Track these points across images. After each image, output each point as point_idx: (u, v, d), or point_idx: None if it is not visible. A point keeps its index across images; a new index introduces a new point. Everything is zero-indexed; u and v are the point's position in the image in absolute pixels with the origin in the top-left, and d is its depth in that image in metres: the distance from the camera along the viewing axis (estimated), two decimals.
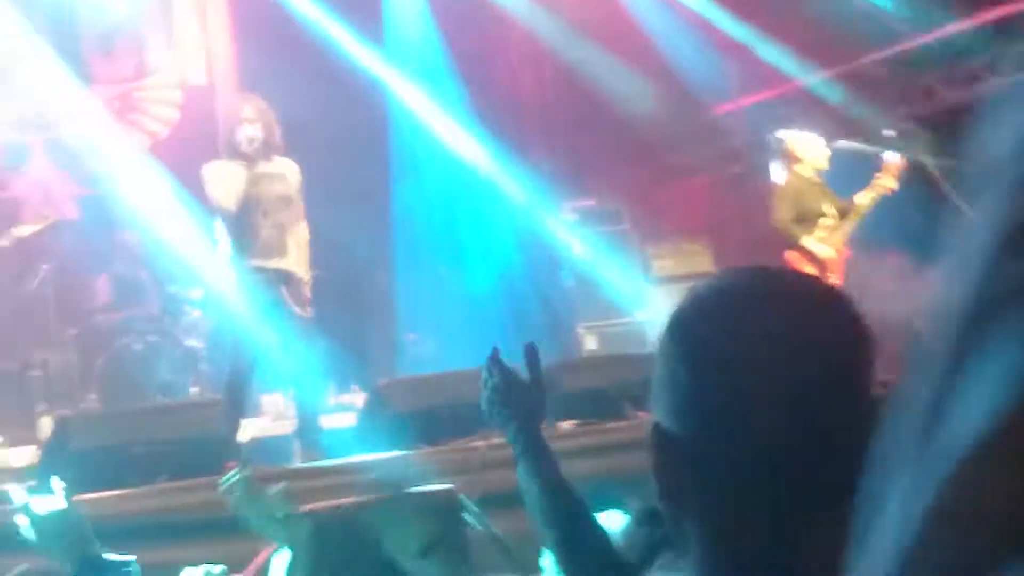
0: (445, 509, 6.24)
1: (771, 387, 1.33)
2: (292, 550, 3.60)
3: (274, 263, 8.41)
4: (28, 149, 11.84)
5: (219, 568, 3.66)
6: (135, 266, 10.99)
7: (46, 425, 9.56)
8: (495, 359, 3.21)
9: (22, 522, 3.53)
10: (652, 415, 1.42)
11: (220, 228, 8.41)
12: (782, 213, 9.25)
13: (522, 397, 3.15)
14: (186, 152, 11.79)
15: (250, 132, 8.25)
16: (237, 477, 3.68)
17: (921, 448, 0.63)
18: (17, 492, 3.59)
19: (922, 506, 0.64)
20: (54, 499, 3.56)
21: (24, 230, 8.31)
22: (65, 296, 10.45)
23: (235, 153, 8.27)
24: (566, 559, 2.99)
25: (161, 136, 12.14)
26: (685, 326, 1.40)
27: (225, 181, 8.25)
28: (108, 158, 11.29)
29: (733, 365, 1.34)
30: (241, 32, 12.52)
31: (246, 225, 8.28)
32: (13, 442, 9.54)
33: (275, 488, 3.58)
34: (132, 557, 3.51)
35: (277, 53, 12.30)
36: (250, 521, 3.75)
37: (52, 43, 11.41)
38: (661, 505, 1.41)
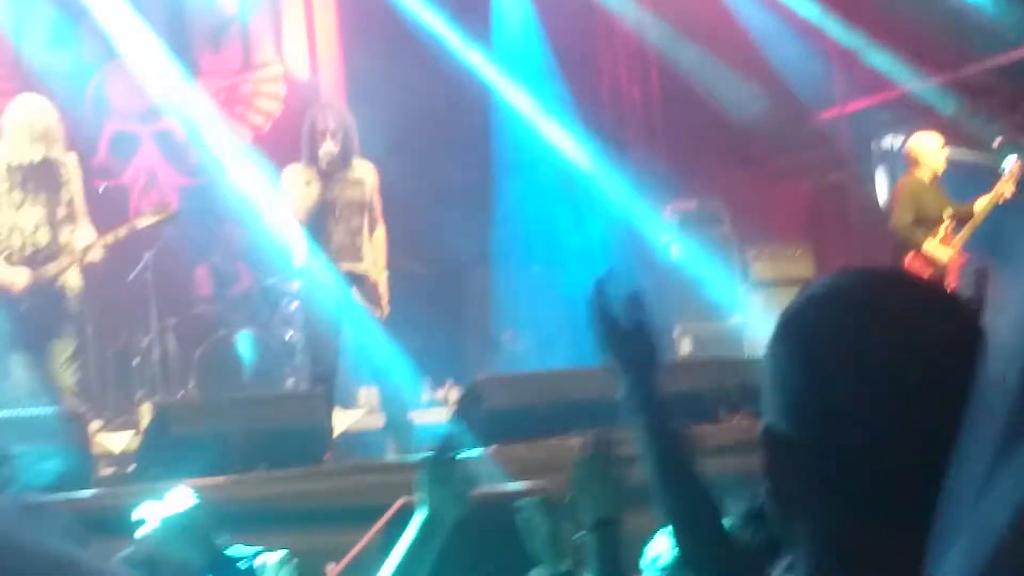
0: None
1: (886, 388, 1.32)
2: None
3: (346, 266, 8.51)
4: (138, 139, 12.00)
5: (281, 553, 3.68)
6: (234, 258, 11.10)
7: (145, 412, 9.68)
8: (599, 292, 2.92)
9: (149, 522, 3.56)
10: (763, 417, 1.41)
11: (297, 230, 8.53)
12: (902, 216, 9.13)
13: (632, 348, 2.89)
14: (288, 146, 11.90)
15: (330, 148, 8.41)
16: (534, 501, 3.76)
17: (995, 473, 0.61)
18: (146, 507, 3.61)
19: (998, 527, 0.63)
20: (184, 497, 3.60)
21: (143, 221, 8.40)
22: (165, 285, 10.58)
23: (313, 162, 8.43)
24: (685, 535, 2.81)
25: (264, 129, 12.25)
26: (798, 326, 1.39)
27: (300, 189, 8.42)
28: (212, 150, 11.42)
29: (848, 366, 1.33)
30: (347, 27, 12.61)
31: (319, 229, 8.38)
32: (113, 427, 9.69)
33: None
34: (258, 549, 3.55)
35: (382, 49, 12.38)
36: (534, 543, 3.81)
37: (162, 36, 11.56)
38: (770, 507, 1.40)
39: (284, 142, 11.92)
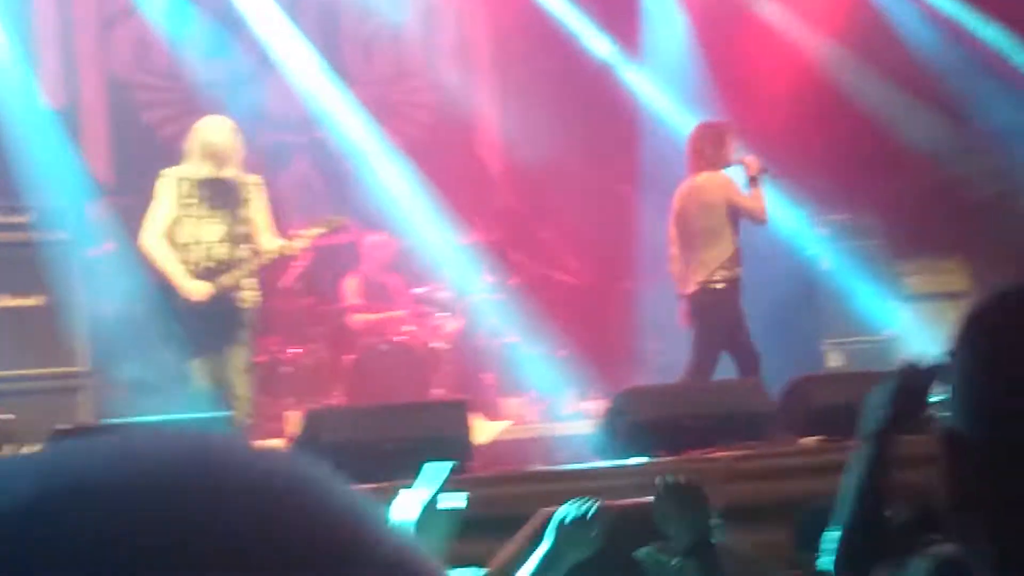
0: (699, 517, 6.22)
1: None
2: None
3: None
4: (291, 149, 12.17)
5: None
6: (384, 267, 11.20)
7: (293, 419, 9.80)
8: (915, 368, 3.16)
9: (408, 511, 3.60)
10: (946, 419, 1.39)
11: None
12: None
13: (903, 407, 3.14)
14: (440, 154, 12.00)
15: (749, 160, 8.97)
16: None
17: None
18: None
19: None
20: (456, 498, 3.65)
21: (314, 231, 8.74)
22: (316, 294, 10.71)
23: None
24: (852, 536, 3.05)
25: (416, 138, 12.34)
26: (983, 330, 1.37)
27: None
28: (365, 159, 11.55)
29: None
30: (499, 36, 12.66)
31: None
32: (262, 435, 9.81)
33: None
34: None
35: (534, 58, 12.43)
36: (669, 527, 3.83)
37: (316, 44, 11.72)
38: (950, 509, 1.38)
39: (437, 151, 12.03)
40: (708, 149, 8.99)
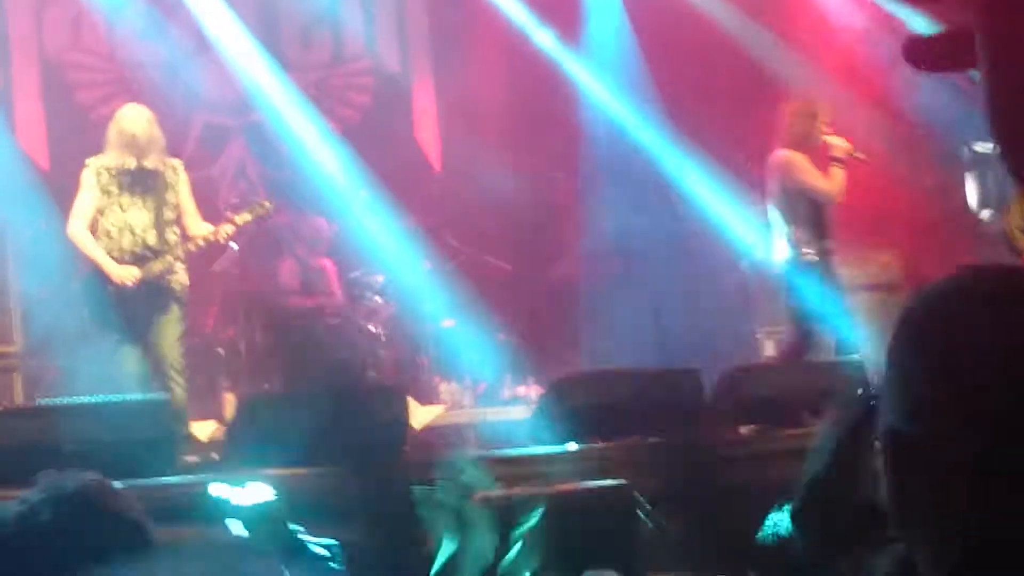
0: (619, 505, 6.25)
1: (1014, 384, 1.30)
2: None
3: None
4: (227, 132, 12.10)
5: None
6: (319, 251, 11.17)
7: (229, 401, 9.77)
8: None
9: (229, 516, 3.59)
10: (883, 417, 1.39)
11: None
12: (1014, 220, 9.07)
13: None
14: (378, 138, 11.96)
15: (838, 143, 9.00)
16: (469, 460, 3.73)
17: None
18: (219, 488, 3.65)
19: None
20: (260, 491, 3.63)
21: (242, 218, 8.78)
22: (251, 277, 10.67)
23: (806, 150, 9.02)
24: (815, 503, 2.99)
25: (353, 122, 12.30)
26: (921, 325, 1.38)
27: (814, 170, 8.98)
28: (300, 143, 11.50)
29: (972, 364, 1.32)
30: (437, 21, 12.63)
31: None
32: (197, 416, 9.77)
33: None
34: (333, 541, 3.57)
35: (472, 43, 12.42)
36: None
37: (253, 30, 11.65)
38: (892, 507, 1.38)
39: (373, 135, 12.00)
40: (797, 126, 9.10)
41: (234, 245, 9.60)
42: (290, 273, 11.06)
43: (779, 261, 9.16)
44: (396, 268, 11.03)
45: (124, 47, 11.53)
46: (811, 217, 9.05)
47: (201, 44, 11.55)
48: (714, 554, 5.68)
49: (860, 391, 3.18)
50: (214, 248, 9.22)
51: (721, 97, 11.61)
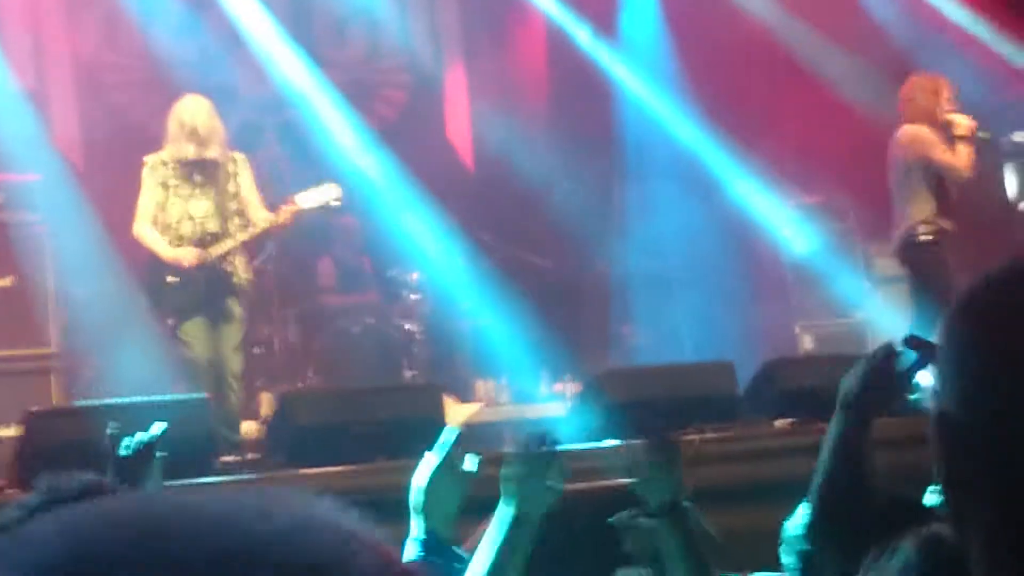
0: None
1: None
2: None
3: None
4: (262, 129, 12.12)
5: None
6: (355, 249, 11.18)
7: (265, 400, 9.79)
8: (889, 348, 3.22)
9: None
10: (937, 403, 1.38)
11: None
12: None
13: (877, 385, 3.20)
14: (414, 135, 11.96)
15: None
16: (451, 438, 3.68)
17: None
18: None
19: None
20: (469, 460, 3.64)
21: (307, 202, 8.85)
22: (288, 276, 10.67)
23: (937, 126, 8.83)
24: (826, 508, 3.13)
25: (390, 119, 12.30)
26: (976, 309, 1.37)
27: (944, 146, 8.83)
28: (336, 141, 11.50)
29: None
30: (470, 17, 12.62)
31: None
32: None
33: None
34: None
35: (507, 39, 12.41)
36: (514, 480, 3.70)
37: (287, 27, 11.66)
38: (945, 495, 1.37)
39: (410, 132, 11.99)
40: (921, 100, 8.91)
41: (271, 243, 9.63)
42: (326, 271, 11.07)
43: (894, 238, 8.98)
44: (432, 265, 11.03)
45: (157, 46, 11.55)
46: (932, 194, 8.83)
47: (235, 42, 11.57)
48: (753, 551, 5.64)
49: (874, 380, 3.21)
50: (249, 246, 9.24)
51: (757, 90, 11.57)
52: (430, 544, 3.56)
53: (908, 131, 8.89)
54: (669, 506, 3.60)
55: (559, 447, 3.49)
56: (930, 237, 8.81)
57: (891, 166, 9.00)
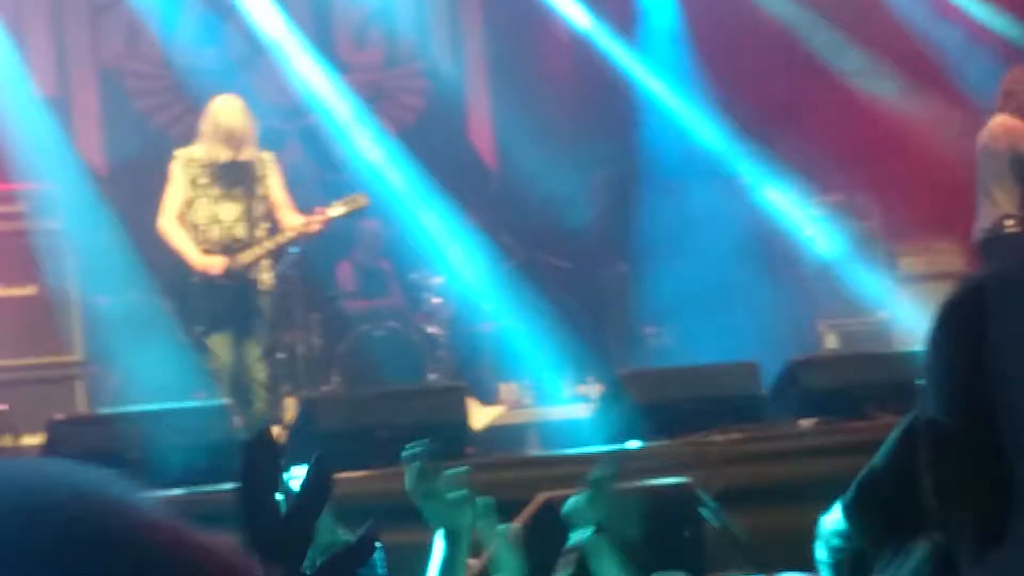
0: (681, 503, 6.21)
1: None
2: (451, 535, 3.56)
3: None
4: (283, 136, 12.13)
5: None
6: (377, 254, 11.20)
7: (290, 405, 9.79)
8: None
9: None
10: (924, 410, 1.37)
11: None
12: None
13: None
14: (431, 139, 11.96)
15: None
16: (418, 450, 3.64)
17: None
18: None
19: None
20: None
21: (335, 210, 8.83)
22: (310, 281, 10.68)
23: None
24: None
25: (408, 123, 12.30)
26: (962, 316, 1.35)
27: None
28: (357, 146, 11.50)
29: (1016, 354, 1.29)
30: (491, 21, 12.61)
31: None
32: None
33: (451, 470, 3.56)
34: (377, 544, 3.54)
35: (527, 43, 12.40)
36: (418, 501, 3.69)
37: (307, 30, 11.68)
38: (932, 500, 1.36)
39: (428, 136, 11.99)
40: (1020, 92, 8.71)
41: (295, 248, 9.63)
42: (348, 275, 11.08)
43: (978, 229, 8.72)
44: (454, 269, 11.03)
45: (179, 54, 11.58)
46: (1021, 188, 8.59)
47: (255, 49, 11.59)
48: (780, 551, 5.63)
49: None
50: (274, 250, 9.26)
51: (778, 89, 11.54)
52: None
53: (1004, 122, 8.67)
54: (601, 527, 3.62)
55: (419, 451, 3.47)
56: (1012, 232, 8.53)
57: (980, 156, 8.76)
